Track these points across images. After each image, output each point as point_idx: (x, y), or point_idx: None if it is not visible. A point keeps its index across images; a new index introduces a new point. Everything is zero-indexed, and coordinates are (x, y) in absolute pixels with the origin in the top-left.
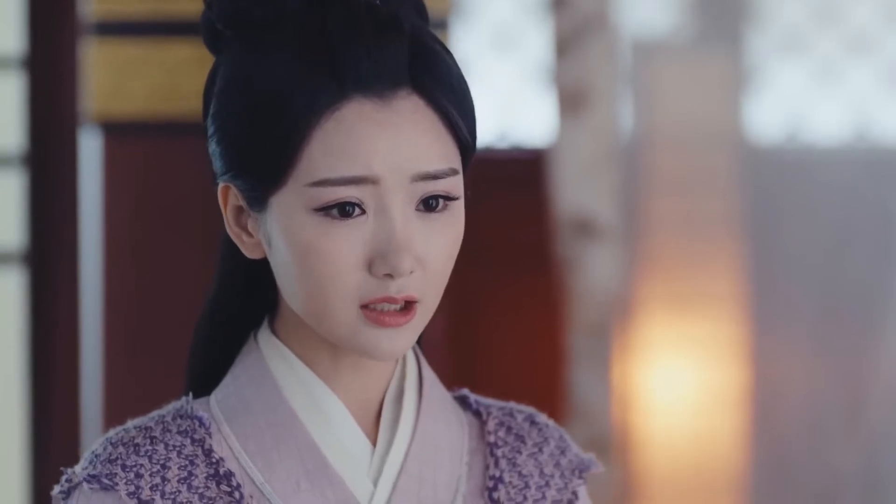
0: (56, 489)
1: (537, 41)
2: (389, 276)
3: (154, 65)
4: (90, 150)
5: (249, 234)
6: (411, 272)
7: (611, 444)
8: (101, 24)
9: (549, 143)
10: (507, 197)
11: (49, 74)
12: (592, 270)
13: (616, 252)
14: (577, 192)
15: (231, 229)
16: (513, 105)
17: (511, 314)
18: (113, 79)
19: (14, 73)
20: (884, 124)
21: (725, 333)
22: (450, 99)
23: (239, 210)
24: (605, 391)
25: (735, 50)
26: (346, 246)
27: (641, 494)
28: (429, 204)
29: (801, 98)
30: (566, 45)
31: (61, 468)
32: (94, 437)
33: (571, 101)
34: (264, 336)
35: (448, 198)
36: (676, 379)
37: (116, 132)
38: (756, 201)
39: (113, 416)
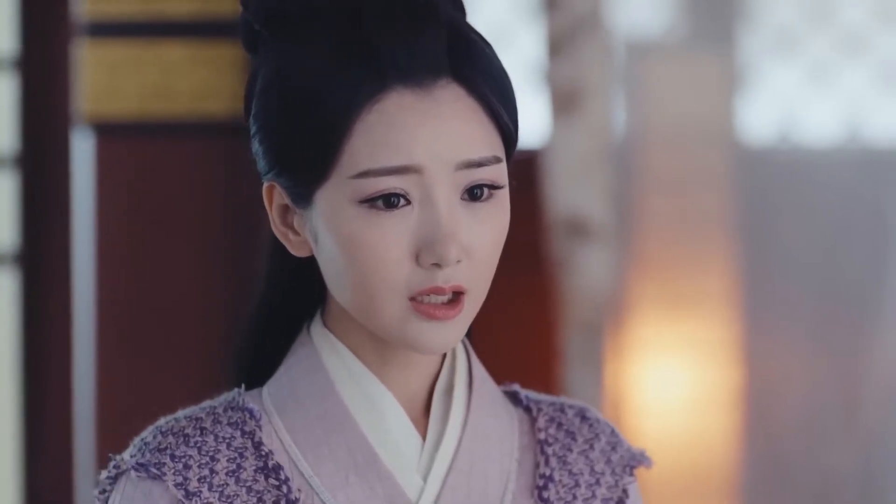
0: (103, 474)
1: (530, 41)
2: (437, 265)
3: (146, 65)
4: (82, 151)
5: (296, 233)
6: (458, 261)
7: None
8: (94, 24)
9: (543, 143)
10: None
11: (41, 75)
12: (586, 270)
13: (609, 252)
14: (570, 191)
15: (277, 228)
16: None
17: (504, 313)
18: (105, 79)
19: (6, 73)
20: (877, 125)
21: (719, 333)
22: (490, 87)
23: (284, 209)
24: (598, 391)
25: (728, 50)
26: (392, 237)
27: None
28: (474, 193)
29: (794, 98)
30: (559, 45)
31: (110, 454)
32: (86, 437)
33: (564, 100)
34: (317, 328)
35: (493, 186)
36: (670, 379)
37: (109, 132)
38: (749, 201)
39: (106, 416)
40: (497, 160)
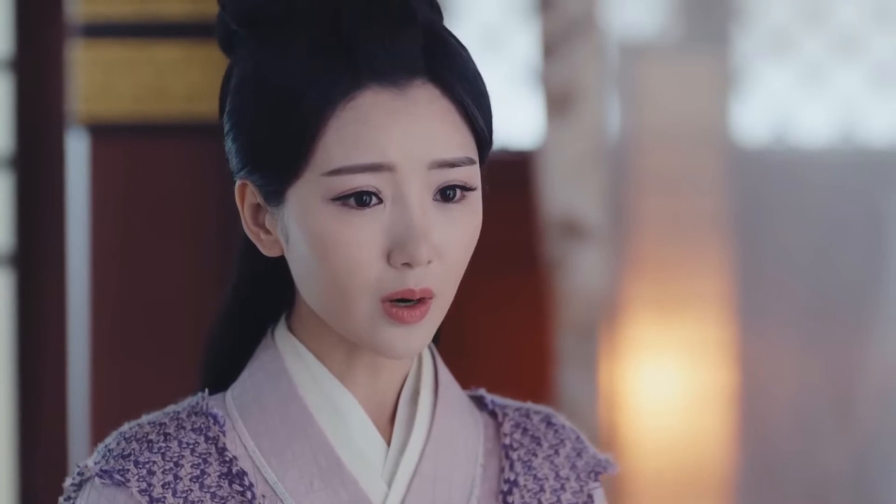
0: (68, 481)
1: (524, 42)
2: (408, 265)
3: (141, 66)
4: (77, 151)
5: (267, 232)
6: (429, 262)
7: (598, 444)
8: (88, 25)
9: (537, 145)
10: (495, 198)
11: (36, 75)
12: (580, 271)
13: (603, 253)
14: (564, 192)
15: (248, 228)
16: (500, 106)
17: (498, 315)
18: (100, 80)
19: (1, 74)
20: (871, 125)
21: (713, 334)
22: (465, 89)
23: (256, 207)
24: (592, 392)
25: (722, 51)
26: (363, 235)
27: (629, 495)
28: (446, 194)
29: (788, 99)
30: (553, 47)
31: (77, 464)
32: (81, 438)
33: (558, 102)
34: (281, 332)
35: (465, 188)
36: (664, 380)
37: (103, 133)
38: (744, 202)
39: (100, 417)
40: (470, 161)
